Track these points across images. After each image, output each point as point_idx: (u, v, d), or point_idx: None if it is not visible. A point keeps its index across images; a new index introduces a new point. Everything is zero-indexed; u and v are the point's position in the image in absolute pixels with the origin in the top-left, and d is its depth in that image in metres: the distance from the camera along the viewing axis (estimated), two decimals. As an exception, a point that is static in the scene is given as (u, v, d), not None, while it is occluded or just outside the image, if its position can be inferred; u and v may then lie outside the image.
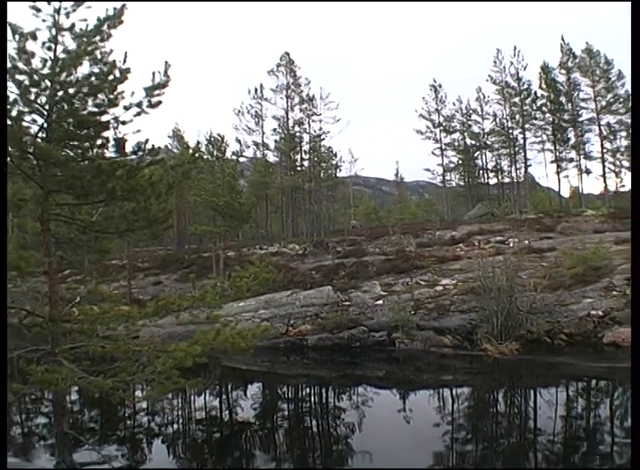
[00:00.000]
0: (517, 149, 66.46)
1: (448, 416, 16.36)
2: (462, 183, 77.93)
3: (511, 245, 40.48)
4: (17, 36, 10.98)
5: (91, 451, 13.00)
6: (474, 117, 72.37)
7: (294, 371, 24.68)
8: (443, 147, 71.27)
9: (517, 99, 64.91)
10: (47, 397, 17.22)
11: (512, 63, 65.01)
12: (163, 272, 47.08)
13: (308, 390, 22.11)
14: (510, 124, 66.87)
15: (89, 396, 17.14)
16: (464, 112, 72.30)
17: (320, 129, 62.72)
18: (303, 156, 65.55)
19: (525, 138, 65.78)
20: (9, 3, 10.87)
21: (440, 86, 70.97)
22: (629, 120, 53.22)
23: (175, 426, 17.17)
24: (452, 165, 74.88)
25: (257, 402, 19.92)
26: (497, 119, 69.30)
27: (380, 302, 29.98)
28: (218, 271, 38.76)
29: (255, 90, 65.02)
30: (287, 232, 63.02)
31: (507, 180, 73.16)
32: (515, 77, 64.90)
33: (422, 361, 23.59)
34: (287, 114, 63.76)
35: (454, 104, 72.24)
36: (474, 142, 73.29)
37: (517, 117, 65.37)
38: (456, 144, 73.19)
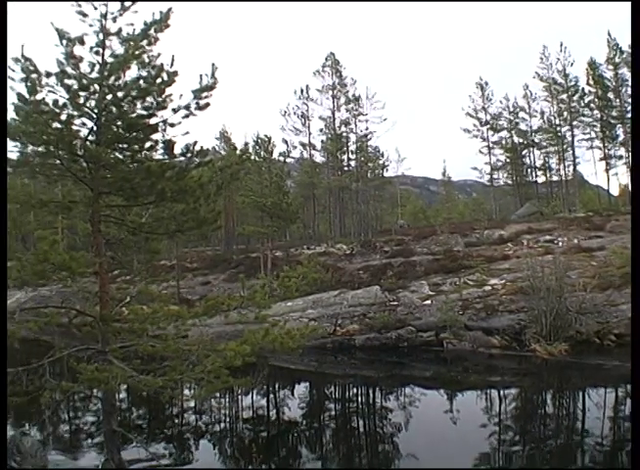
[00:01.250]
0: (565, 146, 65.52)
1: (495, 417, 16.24)
2: (510, 182, 76.94)
3: (560, 244, 39.96)
4: (64, 41, 11.16)
5: (138, 449, 13.18)
6: (521, 114, 71.53)
7: (341, 371, 24.67)
8: (491, 145, 70.47)
9: (564, 96, 63.94)
10: (96, 395, 17.45)
11: (559, 59, 64.09)
12: (212, 272, 47.30)
13: (355, 390, 22.09)
14: (558, 122, 65.93)
15: (137, 394, 17.37)
16: (511, 109, 71.49)
17: (367, 129, 62.58)
18: (350, 156, 65.39)
19: (573, 135, 64.88)
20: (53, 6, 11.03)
21: (487, 84, 70.21)
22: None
23: (222, 425, 17.29)
24: (500, 164, 73.95)
25: (304, 402, 19.95)
26: (545, 117, 68.49)
27: (428, 302, 29.83)
28: (266, 271, 38.93)
29: (302, 91, 65.12)
30: (334, 232, 62.96)
31: (555, 178, 72.09)
32: (562, 74, 63.95)
33: (469, 362, 23.41)
34: (333, 114, 63.68)
35: (501, 102, 71.49)
36: (521, 140, 72.41)
37: (564, 114, 64.41)
38: (503, 142, 72.35)
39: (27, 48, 11.08)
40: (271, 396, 20.83)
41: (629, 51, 61.51)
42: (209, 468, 13.19)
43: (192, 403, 18.33)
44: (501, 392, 19.17)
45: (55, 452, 13.90)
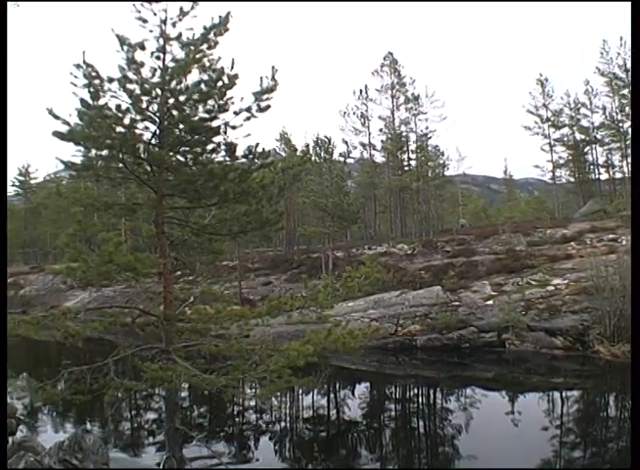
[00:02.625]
0: (628, 143, 64.08)
1: (557, 420, 16.03)
2: (572, 179, 75.27)
3: (624, 243, 39.13)
4: (125, 47, 11.38)
5: (199, 447, 13.36)
6: (582, 110, 69.81)
7: (402, 371, 24.64)
8: (552, 143, 69.07)
9: (625, 91, 62.42)
10: (158, 393, 17.72)
11: (619, 53, 62.48)
12: (273, 273, 47.59)
13: (416, 390, 22.04)
14: (620, 117, 64.40)
15: (198, 393, 17.59)
16: (572, 106, 70.02)
17: (426, 128, 62.14)
18: (410, 155, 65.01)
19: (636, 131, 62.99)
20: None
21: (547, 80, 68.87)
22: None
23: (282, 424, 17.41)
24: (562, 161, 72.49)
25: (365, 402, 19.99)
26: (607, 113, 66.93)
27: (490, 302, 29.63)
28: (327, 272, 39.00)
29: (360, 91, 64.85)
30: (395, 232, 62.74)
31: (619, 176, 70.36)
32: (623, 68, 62.38)
33: (532, 363, 23.14)
34: (392, 113, 63.35)
35: (562, 98, 69.98)
36: (583, 137, 70.79)
37: (626, 109, 62.95)
38: (565, 139, 70.83)
39: (82, 54, 11.34)
40: (331, 395, 20.88)
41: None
42: (269, 468, 13.31)
43: (252, 402, 18.48)
44: (563, 394, 18.94)
45: (116, 450, 14.18)
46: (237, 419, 18.25)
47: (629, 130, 62.29)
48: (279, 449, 14.92)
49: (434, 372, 23.88)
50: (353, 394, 21.32)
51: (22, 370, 21.74)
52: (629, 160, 63.51)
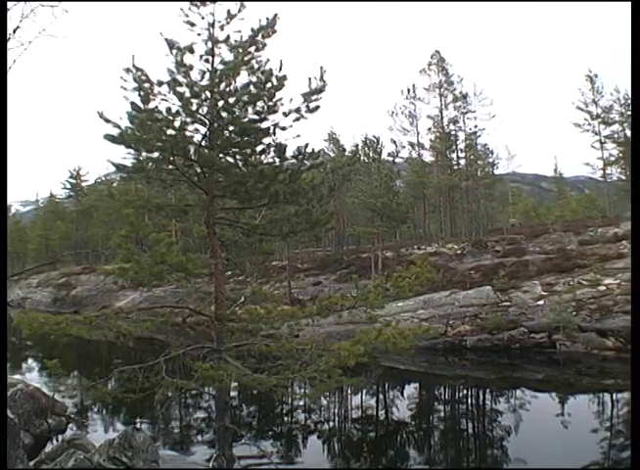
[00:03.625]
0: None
1: (607, 422, 15.83)
2: (624, 177, 73.96)
3: (678, 241, 38.34)
4: (174, 51, 11.51)
5: (247, 446, 13.44)
6: (633, 106, 68.64)
7: (451, 372, 24.51)
8: (603, 139, 67.73)
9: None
10: (208, 392, 17.91)
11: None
12: (323, 273, 47.52)
13: (465, 391, 21.90)
14: (674, 112, 63.05)
15: (247, 392, 17.70)
16: (622, 102, 68.78)
17: (475, 126, 61.37)
18: (459, 154, 64.35)
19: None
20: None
21: (597, 76, 67.80)
22: None
23: (331, 424, 17.43)
24: (613, 159, 71.39)
25: (414, 403, 19.94)
26: (659, 108, 65.54)
27: (540, 302, 29.28)
28: (377, 272, 38.93)
29: (408, 90, 64.43)
30: (445, 232, 62.31)
31: (673, 171, 68.92)
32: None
33: (582, 364, 22.86)
34: (441, 112, 62.80)
35: (611, 94, 68.70)
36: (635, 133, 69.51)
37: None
38: (616, 136, 69.40)
39: (132, 58, 11.49)
40: (380, 396, 20.85)
41: None
42: (317, 468, 13.35)
43: (301, 402, 18.55)
44: (614, 396, 18.66)
45: (165, 448, 14.35)
46: (285, 418, 18.34)
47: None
48: (327, 449, 14.95)
49: (483, 373, 23.72)
50: (402, 394, 21.28)
51: (73, 369, 22.11)
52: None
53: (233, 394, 18.37)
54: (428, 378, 23.81)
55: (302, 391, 16.31)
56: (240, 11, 11.86)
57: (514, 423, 16.11)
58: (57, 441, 14.43)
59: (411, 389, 22.69)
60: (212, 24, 11.86)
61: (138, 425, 15.86)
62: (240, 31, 11.89)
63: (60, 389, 15.67)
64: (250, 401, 19.34)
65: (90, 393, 11.87)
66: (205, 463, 12.84)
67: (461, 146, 63.57)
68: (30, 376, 24.23)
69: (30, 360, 31.16)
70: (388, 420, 17.71)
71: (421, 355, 24.56)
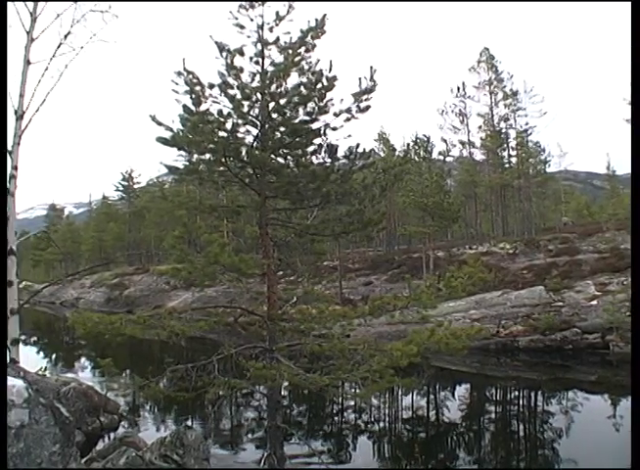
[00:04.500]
0: None
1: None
2: (681, 174, 72.64)
3: None
4: (224, 53, 11.62)
5: (297, 445, 13.50)
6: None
7: (503, 373, 24.32)
8: (657, 135, 66.77)
9: None
10: (259, 391, 18.01)
11: None
12: (374, 273, 47.38)
13: (517, 393, 21.68)
14: None
15: (298, 391, 17.78)
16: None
17: (526, 124, 60.54)
18: (511, 152, 63.65)
19: None
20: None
21: (649, 70, 66.59)
22: None
23: (381, 424, 17.41)
24: (668, 155, 69.93)
25: (465, 404, 19.83)
26: None
27: (594, 302, 28.86)
28: (428, 272, 38.79)
29: (458, 88, 63.99)
30: (496, 231, 61.83)
31: None
32: None
33: (637, 366, 22.42)
34: (491, 110, 62.21)
35: (665, 87, 67.54)
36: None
37: None
38: (670, 131, 68.37)
39: (182, 62, 11.62)
40: (431, 396, 20.79)
41: None
42: (368, 467, 13.36)
43: (352, 402, 18.56)
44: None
45: (216, 446, 14.47)
46: (336, 418, 18.38)
47: None
48: (377, 449, 14.96)
49: (535, 374, 23.46)
50: (453, 395, 21.19)
51: (125, 368, 22.43)
52: None
53: (284, 393, 18.52)
54: (479, 379, 23.66)
55: (353, 391, 16.35)
56: (288, 12, 11.91)
57: (565, 425, 15.93)
58: (108, 438, 14.64)
59: (462, 390, 22.56)
60: (262, 26, 11.94)
61: (189, 423, 16.04)
62: (289, 33, 11.96)
63: (113, 387, 15.91)
64: (300, 401, 19.43)
65: (143, 391, 12.04)
66: (256, 462, 12.94)
67: (512, 144, 62.87)
68: (83, 375, 24.65)
69: (83, 359, 31.69)
70: (438, 421, 17.64)
71: (472, 356, 24.41)
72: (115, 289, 62.77)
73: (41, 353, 34.47)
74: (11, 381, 4.67)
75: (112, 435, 14.99)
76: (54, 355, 34.16)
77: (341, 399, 18.91)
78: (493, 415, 18.49)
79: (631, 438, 5.38)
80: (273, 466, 11.45)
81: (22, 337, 10.54)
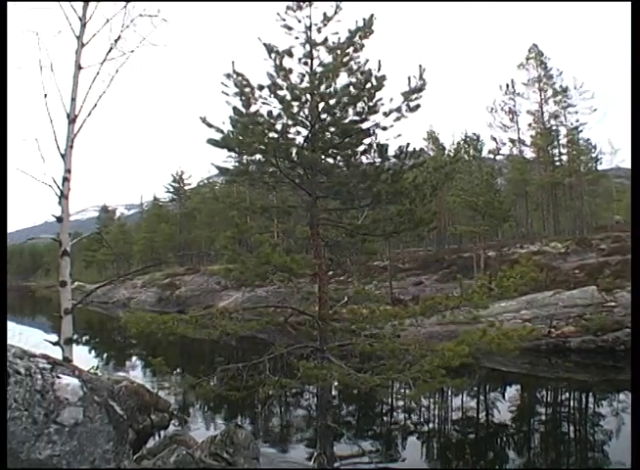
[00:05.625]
0: None
1: None
2: None
3: None
4: (273, 55, 11.68)
5: (346, 445, 13.50)
6: None
7: (554, 374, 24.01)
8: None
9: None
10: (309, 390, 18.03)
11: None
12: (424, 273, 47.06)
13: (568, 394, 21.41)
14: None
15: (347, 391, 17.80)
16: None
17: (577, 121, 59.65)
18: (561, 150, 62.79)
19: None
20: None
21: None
22: None
23: (430, 425, 17.35)
24: None
25: (515, 405, 19.64)
26: None
27: (647, 302, 28.36)
28: (479, 271, 38.51)
29: (507, 86, 63.32)
30: (547, 230, 61.02)
31: None
32: None
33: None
34: (541, 107, 61.34)
35: None
36: None
37: None
38: None
39: (232, 64, 11.73)
40: (481, 397, 20.65)
41: None
42: (417, 468, 13.32)
43: (401, 402, 18.52)
44: None
45: (265, 445, 14.55)
46: (385, 418, 18.35)
47: None
48: (426, 450, 14.92)
49: (587, 375, 23.16)
50: (503, 396, 21.02)
51: (176, 367, 22.67)
52: None
53: (333, 393, 18.59)
54: (529, 380, 23.42)
55: (403, 391, 16.30)
56: (336, 13, 11.94)
57: (616, 427, 15.68)
58: (159, 436, 14.82)
59: (512, 391, 22.38)
60: (309, 27, 11.99)
61: (239, 422, 16.15)
62: (337, 33, 11.98)
63: (164, 386, 16.10)
64: (349, 401, 19.43)
65: (195, 390, 12.17)
66: (306, 461, 12.99)
67: (563, 141, 61.99)
68: (134, 373, 24.99)
69: (134, 358, 32.08)
70: (488, 422, 17.52)
71: (523, 357, 24.17)
72: (167, 289, 63.34)
73: (93, 352, 34.99)
74: (66, 379, 4.76)
75: (162, 433, 15.17)
76: (105, 354, 34.66)
77: (390, 400, 18.89)
78: (544, 417, 18.30)
79: (631, 438, 5.32)
80: (323, 465, 11.48)
81: (75, 336, 10.69)
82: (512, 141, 64.39)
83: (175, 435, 13.06)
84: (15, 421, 4.20)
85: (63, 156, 10.75)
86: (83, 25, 11.01)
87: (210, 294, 55.08)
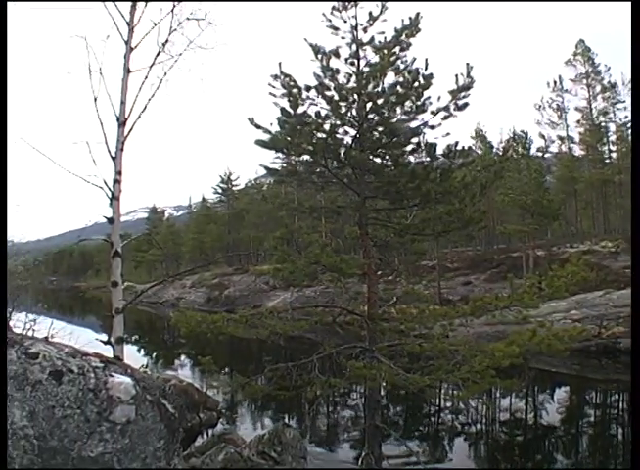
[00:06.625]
0: None
1: None
2: None
3: None
4: (319, 55, 11.71)
5: (393, 445, 13.46)
6: None
7: (603, 375, 23.65)
8: None
9: None
10: (355, 390, 18.02)
11: None
12: (472, 272, 46.78)
13: (617, 396, 21.06)
14: None
15: (394, 391, 17.78)
16: None
17: (626, 117, 58.79)
18: (611, 147, 61.89)
19: None
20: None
21: None
22: None
23: (478, 426, 17.21)
24: None
25: (563, 406, 19.40)
26: None
27: (701, 301, 27.83)
28: (528, 271, 38.12)
29: (555, 82, 62.58)
30: (597, 229, 60.17)
31: None
32: None
33: None
34: (589, 104, 60.47)
35: None
36: None
37: None
38: None
39: (279, 65, 11.77)
40: (529, 398, 20.44)
41: None
42: (464, 468, 13.25)
43: (448, 403, 18.45)
44: None
45: (312, 445, 14.58)
46: (432, 419, 18.28)
47: None
48: (474, 451, 14.83)
49: (638, 377, 22.73)
50: (552, 398, 20.77)
51: (224, 366, 22.83)
52: None
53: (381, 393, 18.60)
54: (579, 381, 23.10)
55: (451, 391, 16.20)
56: (382, 12, 11.93)
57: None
58: (207, 435, 14.94)
59: (561, 392, 22.10)
60: (355, 27, 12.00)
61: (286, 421, 16.23)
62: (383, 32, 11.97)
63: (213, 384, 16.23)
64: (396, 401, 19.37)
65: (244, 389, 12.25)
66: (353, 462, 12.99)
67: (612, 138, 61.06)
68: (182, 372, 25.23)
69: (182, 357, 32.37)
70: (536, 424, 17.35)
71: (572, 358, 23.85)
72: (215, 289, 63.74)
73: (142, 351, 35.39)
74: (118, 378, 4.81)
75: (210, 431, 15.29)
76: (154, 353, 35.02)
77: (438, 400, 18.82)
78: (592, 419, 18.08)
79: (631, 437, 5.22)
80: (370, 466, 11.47)
81: (125, 335, 10.84)
82: (560, 138, 63.70)
83: (223, 433, 13.20)
84: (67, 419, 4.26)
85: (113, 158, 10.88)
86: (131, 30, 11.14)
87: (259, 294, 55.29)
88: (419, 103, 11.59)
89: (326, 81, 11.84)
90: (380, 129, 11.99)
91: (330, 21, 12.06)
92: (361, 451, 12.32)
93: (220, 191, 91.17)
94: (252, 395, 13.50)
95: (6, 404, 4.01)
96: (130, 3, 11.09)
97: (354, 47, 12.02)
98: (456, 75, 11.47)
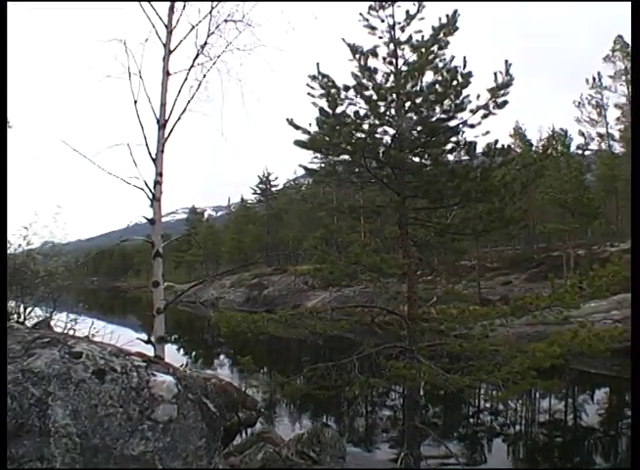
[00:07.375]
0: None
1: None
2: None
3: None
4: (357, 55, 11.71)
5: (431, 446, 13.40)
6: None
7: (645, 376, 23.32)
8: None
9: None
10: (396, 390, 17.97)
11: None
12: (512, 272, 46.32)
13: (658, 397, 20.78)
14: None
15: (433, 392, 17.73)
16: None
17: (666, 113, 58.06)
18: (652, 143, 60.97)
19: None
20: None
21: None
22: None
23: (517, 427, 17.09)
24: None
25: (603, 408, 19.14)
26: None
27: None
28: (569, 270, 37.71)
29: (594, 79, 61.90)
30: (639, 227, 59.41)
31: None
32: None
33: None
34: (629, 100, 59.89)
35: None
36: None
37: None
38: None
39: (317, 66, 11.79)
40: (569, 400, 20.23)
41: None
42: (503, 468, 13.15)
43: (487, 404, 18.32)
44: None
45: (350, 445, 14.54)
46: (471, 420, 18.16)
47: None
48: (512, 453, 14.71)
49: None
50: (592, 399, 20.53)
51: (263, 365, 22.91)
52: None
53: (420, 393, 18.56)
54: (619, 382, 22.73)
55: (490, 392, 16.08)
56: (419, 11, 11.91)
57: None
58: (246, 434, 15.00)
59: (601, 393, 21.80)
60: (393, 26, 12.00)
61: (325, 421, 16.23)
62: (421, 31, 11.93)
63: (253, 384, 16.29)
64: (435, 401, 19.29)
65: (283, 389, 12.29)
66: (392, 462, 12.95)
67: (654, 135, 60.14)
68: (222, 371, 25.34)
69: (222, 357, 32.52)
70: (575, 425, 17.18)
71: (613, 359, 23.52)
72: (254, 289, 63.89)
73: (182, 350, 35.63)
74: (161, 377, 4.84)
75: (249, 430, 15.36)
76: (194, 353, 35.24)
77: (477, 401, 18.69)
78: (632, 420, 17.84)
79: (631, 437, 5.13)
80: (409, 466, 11.44)
81: (165, 335, 10.94)
82: (600, 136, 62.96)
83: (263, 432, 13.19)
84: (109, 418, 4.30)
85: (154, 160, 10.95)
86: (169, 33, 11.21)
87: (298, 294, 55.28)
88: (458, 101, 11.53)
89: (364, 81, 11.83)
90: (419, 128, 11.94)
91: (367, 20, 12.08)
92: (400, 452, 12.28)
93: (259, 191, 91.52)
94: (291, 394, 13.51)
95: (6, 403, 4.04)
96: (168, 5, 11.16)
97: (392, 46, 12.01)
98: (495, 73, 11.40)
